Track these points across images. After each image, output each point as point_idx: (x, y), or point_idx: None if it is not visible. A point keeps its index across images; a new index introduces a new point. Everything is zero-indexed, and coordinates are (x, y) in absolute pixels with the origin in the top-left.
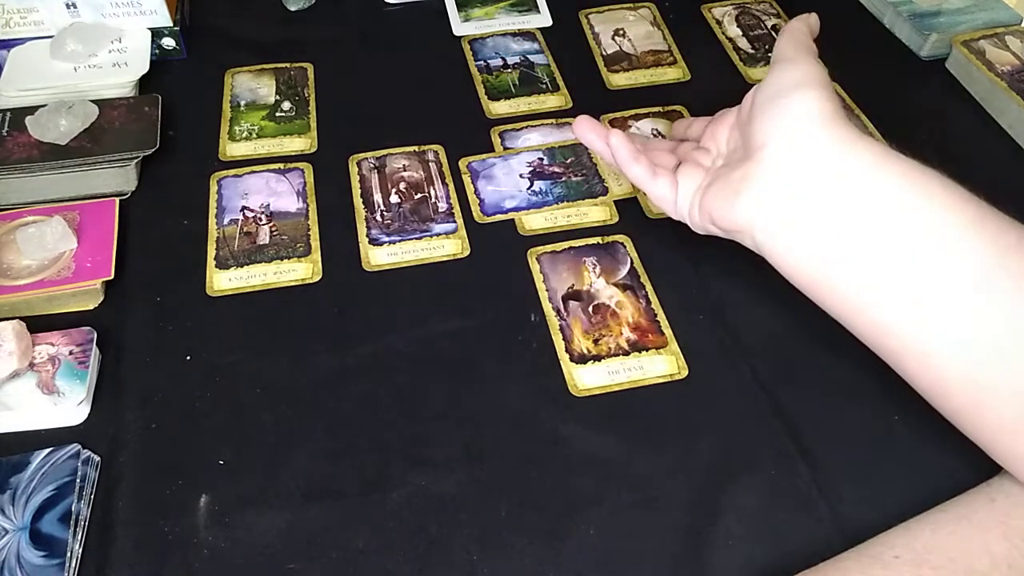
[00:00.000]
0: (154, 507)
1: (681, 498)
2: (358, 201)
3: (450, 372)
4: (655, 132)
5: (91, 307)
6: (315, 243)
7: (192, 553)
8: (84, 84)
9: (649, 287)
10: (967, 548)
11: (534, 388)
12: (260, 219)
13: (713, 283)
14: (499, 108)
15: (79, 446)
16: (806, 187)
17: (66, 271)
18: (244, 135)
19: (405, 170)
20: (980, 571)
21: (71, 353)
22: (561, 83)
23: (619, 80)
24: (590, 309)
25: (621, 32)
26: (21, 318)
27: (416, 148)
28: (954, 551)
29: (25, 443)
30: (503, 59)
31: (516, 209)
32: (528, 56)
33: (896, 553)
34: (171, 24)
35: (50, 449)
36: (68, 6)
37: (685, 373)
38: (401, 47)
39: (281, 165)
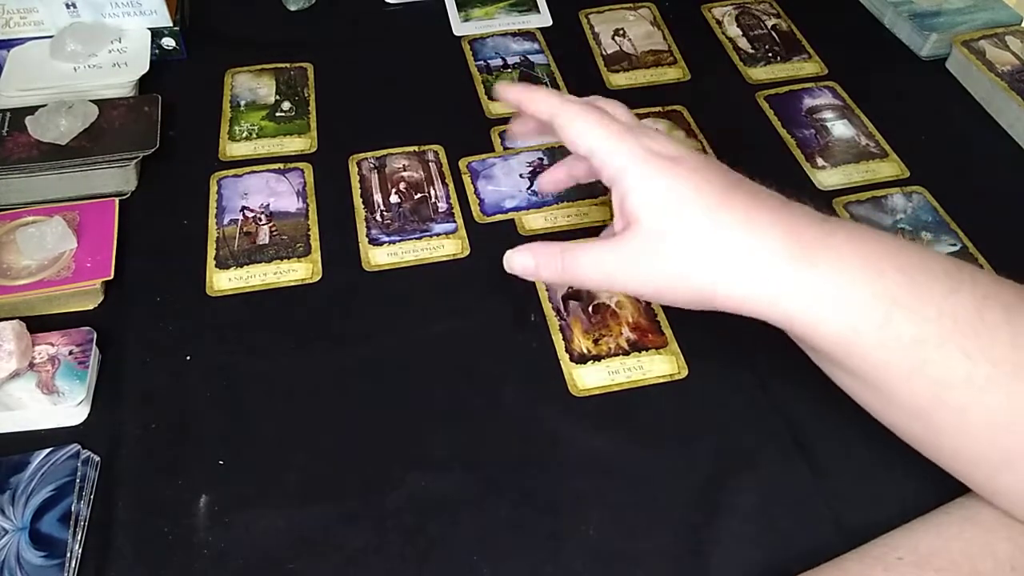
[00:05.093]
0: (154, 507)
1: (681, 498)
2: (358, 201)
3: (450, 372)
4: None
5: (91, 307)
6: (315, 243)
7: (192, 553)
8: (84, 84)
9: None
10: (971, 550)
11: (534, 388)
12: (260, 219)
13: None
14: (499, 108)
15: (79, 446)
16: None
17: (66, 271)
18: (244, 135)
19: (405, 170)
20: (984, 573)
21: (71, 353)
22: (561, 83)
23: (619, 80)
24: (590, 309)
25: (621, 32)
26: (21, 318)
27: (416, 148)
28: (957, 553)
29: (25, 443)
30: (503, 59)
31: (516, 209)
32: (528, 56)
33: (899, 555)
34: (171, 24)
35: (50, 449)
36: (68, 6)
37: (685, 373)
38: (401, 47)
39: (281, 165)
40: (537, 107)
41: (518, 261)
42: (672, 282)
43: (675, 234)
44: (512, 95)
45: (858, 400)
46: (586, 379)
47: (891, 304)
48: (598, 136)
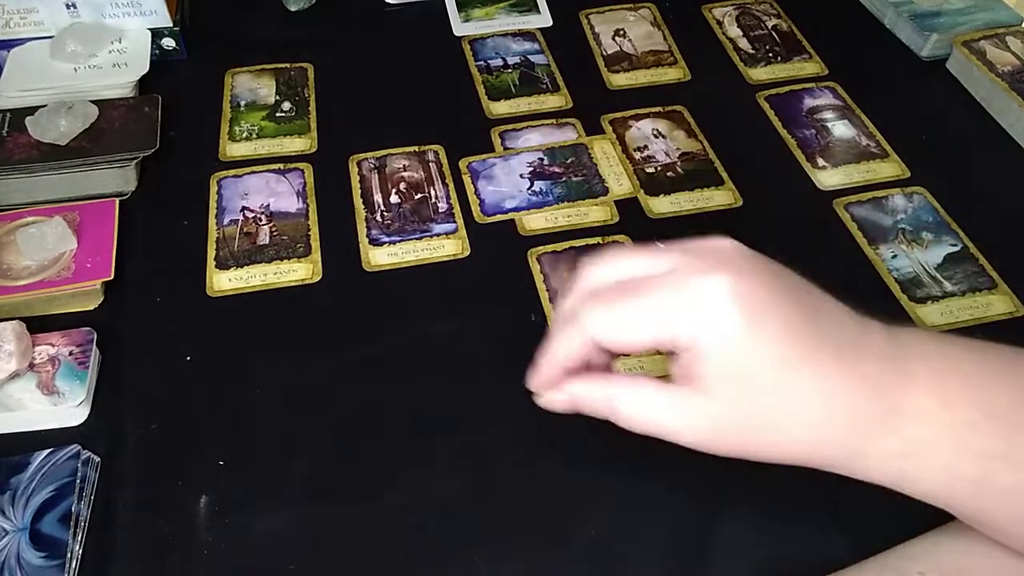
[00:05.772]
0: (154, 507)
1: (681, 499)
2: (358, 201)
3: (450, 372)
4: (655, 132)
5: (91, 307)
6: (315, 243)
7: (192, 553)
8: (84, 84)
9: None
10: (994, 569)
11: None
12: (260, 219)
13: None
14: (499, 108)
15: (79, 447)
16: None
17: (66, 271)
18: (244, 135)
19: (405, 170)
20: None
21: (71, 354)
22: (561, 83)
23: (619, 80)
24: None
25: (621, 32)
26: (21, 318)
27: (416, 148)
28: (980, 571)
29: (25, 444)
30: (503, 59)
31: (516, 209)
32: (528, 56)
33: (921, 569)
34: (171, 24)
35: (50, 450)
36: (68, 6)
37: None
38: (401, 47)
39: (281, 165)
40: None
41: (558, 402)
42: (737, 445)
43: (745, 402)
44: (564, 400)
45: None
46: None
47: (985, 458)
48: (647, 326)
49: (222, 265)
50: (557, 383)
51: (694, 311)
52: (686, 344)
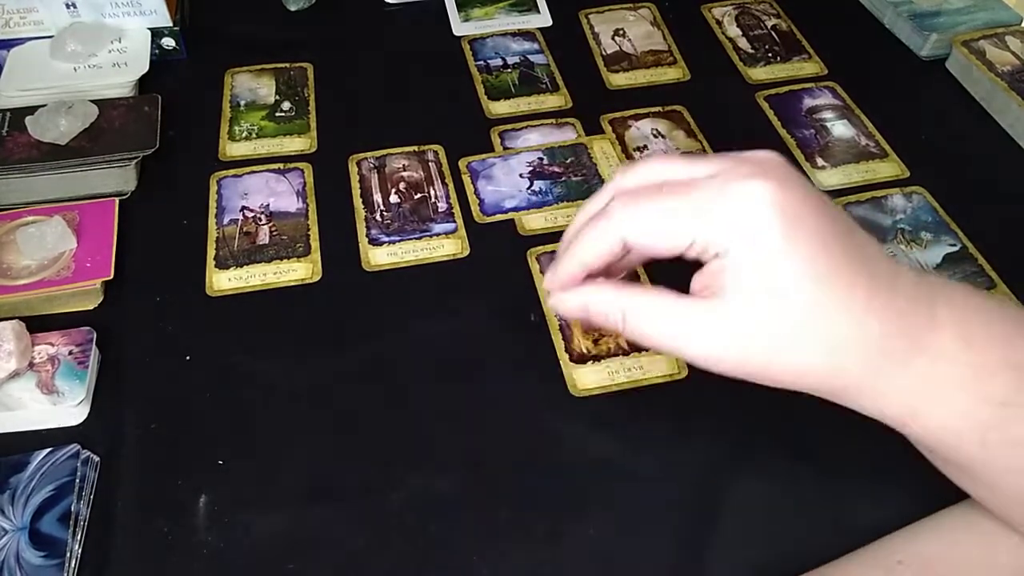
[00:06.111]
0: (154, 507)
1: (681, 498)
2: (358, 201)
3: (450, 372)
4: (655, 132)
5: (91, 307)
6: (315, 243)
7: (191, 553)
8: (84, 84)
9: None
10: (972, 558)
11: (534, 388)
12: (260, 219)
13: None
14: (499, 108)
15: (78, 446)
16: None
17: (66, 271)
18: (244, 135)
19: (405, 170)
20: None
21: (71, 353)
22: (561, 83)
23: (619, 80)
24: None
25: (621, 32)
26: (21, 318)
27: (416, 148)
28: (959, 560)
29: (24, 443)
30: (503, 59)
31: (516, 209)
32: (528, 56)
33: (899, 558)
34: (171, 24)
35: (49, 449)
36: (68, 6)
37: (685, 373)
38: (401, 47)
39: (281, 165)
40: (601, 285)
41: (569, 306)
42: (751, 366)
43: (769, 317)
44: (575, 304)
45: (953, 480)
46: (586, 379)
47: (1000, 406)
48: (683, 225)
49: (222, 265)
50: (571, 286)
51: (732, 215)
52: (718, 250)
